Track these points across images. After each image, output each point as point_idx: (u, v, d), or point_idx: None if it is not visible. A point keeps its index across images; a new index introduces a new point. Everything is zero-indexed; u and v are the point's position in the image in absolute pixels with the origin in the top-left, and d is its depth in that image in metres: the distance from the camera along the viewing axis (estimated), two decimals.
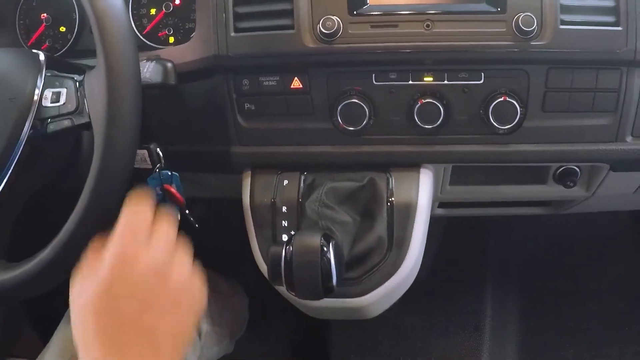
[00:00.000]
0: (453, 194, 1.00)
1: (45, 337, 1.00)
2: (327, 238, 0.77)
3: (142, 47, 0.94)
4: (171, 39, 0.99)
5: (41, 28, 1.04)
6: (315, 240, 0.76)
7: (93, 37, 1.01)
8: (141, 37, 0.98)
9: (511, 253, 1.51)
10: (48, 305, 1.00)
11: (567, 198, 1.03)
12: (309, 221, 0.85)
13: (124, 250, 0.61)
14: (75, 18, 1.02)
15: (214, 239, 1.30)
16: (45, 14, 1.03)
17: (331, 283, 0.76)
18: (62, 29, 1.03)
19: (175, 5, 0.98)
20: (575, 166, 0.92)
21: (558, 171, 0.94)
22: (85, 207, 0.74)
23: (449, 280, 1.43)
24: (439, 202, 1.06)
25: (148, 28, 0.99)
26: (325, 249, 0.76)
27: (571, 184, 0.93)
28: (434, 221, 0.95)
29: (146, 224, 0.63)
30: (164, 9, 0.98)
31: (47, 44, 1.04)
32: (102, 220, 0.76)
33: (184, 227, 1.04)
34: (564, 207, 1.08)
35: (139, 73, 0.77)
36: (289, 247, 0.77)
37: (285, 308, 1.02)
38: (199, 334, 1.00)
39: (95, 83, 0.76)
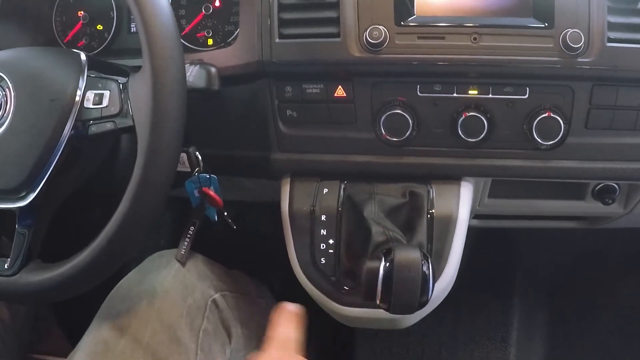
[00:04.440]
0: (491, 207, 1.00)
1: (72, 336, 1.00)
2: (423, 253, 0.77)
3: None
4: (210, 41, 0.99)
5: (78, 26, 1.03)
6: (417, 254, 0.75)
7: (130, 37, 1.03)
8: None
9: (540, 265, 1.51)
10: (76, 305, 1.00)
11: (604, 214, 1.03)
12: (373, 231, 0.84)
13: None
14: (113, 17, 1.02)
15: (241, 240, 1.30)
16: (82, 12, 1.03)
17: (425, 297, 0.76)
18: (99, 27, 1.03)
19: (215, 7, 0.97)
20: (615, 183, 0.92)
21: (597, 188, 0.94)
22: (126, 212, 0.74)
23: (477, 290, 1.43)
24: (474, 214, 1.06)
25: (187, 29, 0.99)
26: (423, 262, 0.75)
27: (610, 201, 0.94)
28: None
29: None
30: (203, 10, 0.98)
31: (83, 41, 1.04)
32: (143, 225, 0.76)
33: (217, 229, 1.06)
34: (599, 223, 1.08)
35: (185, 78, 0.76)
36: (387, 263, 0.76)
37: (312, 312, 1.01)
38: (229, 338, 1.00)
39: (140, 87, 0.75)
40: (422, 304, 0.76)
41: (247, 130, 0.93)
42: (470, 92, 0.85)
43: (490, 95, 0.85)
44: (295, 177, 0.93)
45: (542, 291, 1.48)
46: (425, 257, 0.76)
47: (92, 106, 0.78)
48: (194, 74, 0.85)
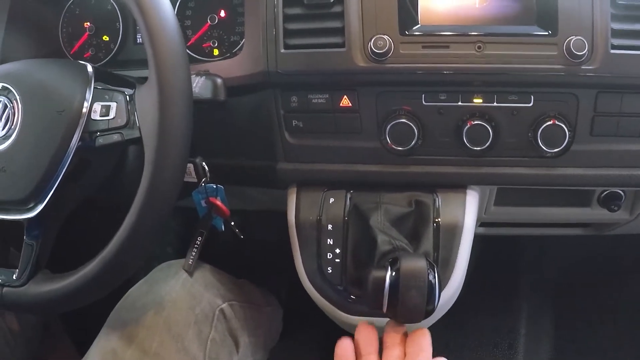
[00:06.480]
0: (497, 215, 1.00)
1: (81, 345, 1.00)
2: (429, 262, 0.76)
3: None
4: (215, 51, 0.99)
5: (84, 37, 1.04)
6: (423, 263, 0.75)
7: (136, 48, 1.03)
8: None
9: (546, 271, 1.51)
10: (85, 315, 1.00)
11: (610, 221, 1.03)
12: (379, 240, 0.85)
13: None
14: (119, 28, 1.02)
15: (248, 249, 1.30)
16: (88, 23, 1.03)
17: (432, 306, 0.76)
18: (106, 38, 1.03)
19: (220, 18, 0.98)
20: (620, 190, 0.92)
21: (602, 195, 0.94)
22: (133, 223, 0.74)
23: (484, 297, 1.43)
24: (480, 222, 1.06)
25: (192, 40, 0.99)
26: (429, 271, 0.75)
27: (615, 208, 0.94)
28: None
29: None
30: (209, 21, 0.98)
31: (89, 52, 1.04)
32: (150, 236, 0.76)
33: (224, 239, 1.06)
34: (605, 230, 1.08)
35: (191, 89, 0.77)
36: (393, 272, 0.76)
37: (318, 320, 1.01)
38: (237, 347, 1.00)
39: (146, 98, 0.76)
40: (429, 313, 0.76)
41: (254, 140, 0.93)
42: (475, 100, 0.85)
43: (495, 104, 0.85)
44: (302, 187, 0.93)
45: (549, 297, 1.47)
46: (431, 266, 0.76)
47: (99, 118, 0.79)
48: (200, 85, 0.85)
